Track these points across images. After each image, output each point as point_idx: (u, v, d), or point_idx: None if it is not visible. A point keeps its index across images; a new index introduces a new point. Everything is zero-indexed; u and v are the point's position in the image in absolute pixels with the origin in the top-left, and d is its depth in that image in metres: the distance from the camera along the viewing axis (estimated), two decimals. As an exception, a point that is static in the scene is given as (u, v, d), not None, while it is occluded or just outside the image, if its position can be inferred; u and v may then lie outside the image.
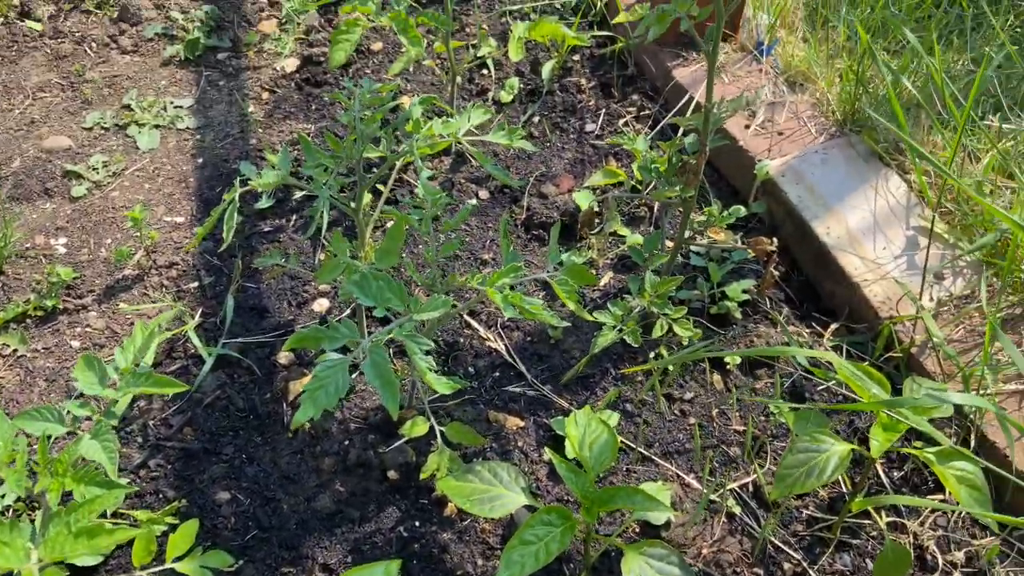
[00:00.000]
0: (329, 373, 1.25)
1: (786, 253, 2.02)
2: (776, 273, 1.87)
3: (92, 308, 1.88)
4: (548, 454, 1.42)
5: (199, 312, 1.87)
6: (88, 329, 1.84)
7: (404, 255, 2.02)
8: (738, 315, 1.86)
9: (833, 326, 1.85)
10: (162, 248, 2.01)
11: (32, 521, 1.46)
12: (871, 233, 1.89)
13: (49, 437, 1.21)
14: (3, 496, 1.48)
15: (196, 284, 1.94)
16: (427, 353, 1.31)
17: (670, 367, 1.76)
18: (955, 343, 1.68)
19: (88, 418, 1.29)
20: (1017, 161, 1.92)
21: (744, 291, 1.86)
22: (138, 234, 1.98)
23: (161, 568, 1.34)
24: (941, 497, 1.56)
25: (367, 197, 1.69)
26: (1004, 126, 2.00)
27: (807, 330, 1.87)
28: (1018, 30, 2.38)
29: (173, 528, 1.41)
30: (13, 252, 1.97)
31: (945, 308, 1.74)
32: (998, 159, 1.89)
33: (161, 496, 1.53)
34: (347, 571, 1.14)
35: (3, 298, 1.89)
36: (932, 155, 1.98)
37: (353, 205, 1.56)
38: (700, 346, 1.74)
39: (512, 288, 1.39)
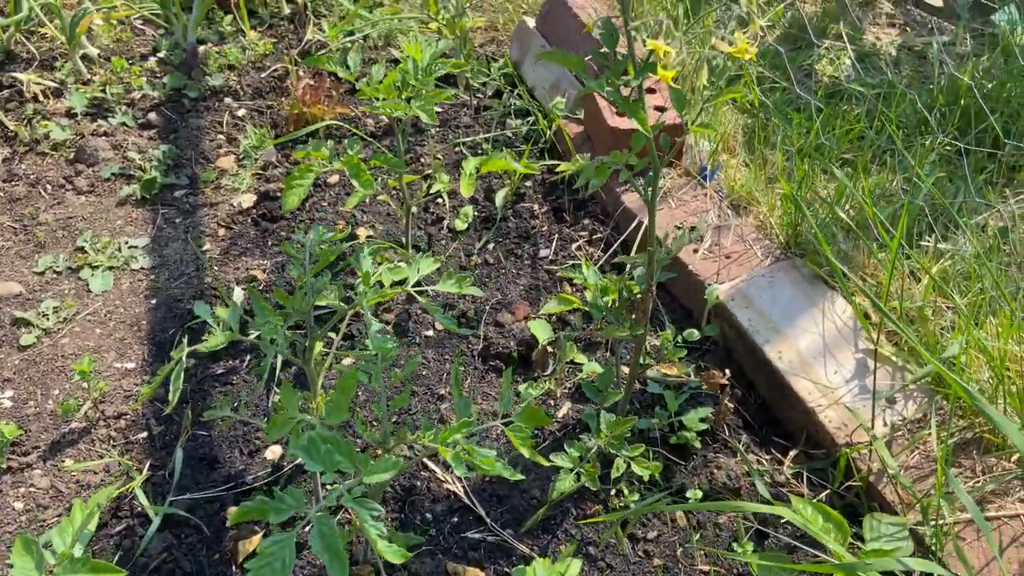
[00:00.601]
0: (275, 549, 1.21)
1: (742, 375, 2.04)
2: (731, 406, 1.88)
3: (37, 466, 1.82)
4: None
5: (147, 464, 1.82)
6: (32, 489, 1.78)
7: (358, 391, 2.00)
8: (697, 444, 1.86)
9: (792, 453, 1.85)
10: (111, 397, 1.97)
11: None
12: (821, 357, 1.92)
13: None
14: None
15: (145, 434, 1.89)
16: (377, 519, 1.28)
17: (632, 504, 1.74)
18: (911, 470, 1.69)
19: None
20: (956, 280, 1.99)
21: (702, 420, 1.86)
22: (86, 385, 1.94)
23: None
24: (911, 634, 1.53)
25: (318, 347, 1.69)
26: (939, 246, 2.08)
27: (767, 456, 1.87)
28: (946, 148, 2.51)
29: None
30: (-45, 408, 1.92)
31: (899, 433, 1.75)
32: (936, 280, 1.95)
33: (101, 678, 1.44)
34: None
35: (-58, 458, 1.82)
36: (872, 277, 2.04)
37: (304, 356, 1.55)
38: (660, 496, 1.73)
39: (468, 436, 1.38)
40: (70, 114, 2.84)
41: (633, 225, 2.36)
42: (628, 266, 2.15)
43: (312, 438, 1.32)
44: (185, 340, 1.50)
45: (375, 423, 1.92)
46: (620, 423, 1.65)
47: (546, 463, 1.59)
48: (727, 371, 1.86)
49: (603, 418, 1.68)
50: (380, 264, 1.80)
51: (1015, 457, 1.66)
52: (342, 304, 1.57)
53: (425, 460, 1.85)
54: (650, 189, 1.51)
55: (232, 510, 1.72)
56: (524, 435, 1.48)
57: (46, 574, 1.22)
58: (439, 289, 1.59)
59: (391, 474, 1.30)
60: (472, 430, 1.40)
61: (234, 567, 1.61)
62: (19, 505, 1.75)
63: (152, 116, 2.86)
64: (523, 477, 1.40)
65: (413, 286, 1.61)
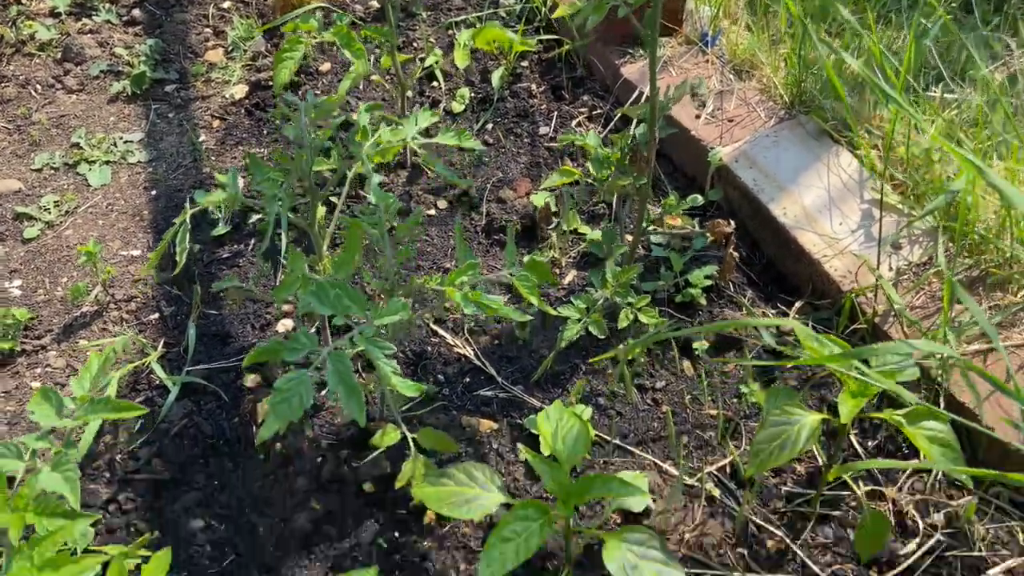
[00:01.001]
0: (291, 385, 1.24)
1: (746, 236, 2.03)
2: (737, 256, 1.88)
3: (51, 348, 1.84)
4: (522, 451, 1.41)
5: (161, 343, 1.84)
6: (48, 369, 1.80)
7: (364, 266, 2.01)
8: (703, 301, 1.87)
9: (797, 304, 1.86)
10: (119, 282, 1.98)
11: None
12: (826, 210, 1.91)
13: (12, 479, 1.18)
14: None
15: (157, 315, 1.91)
16: (390, 357, 1.30)
17: (640, 357, 1.76)
18: (917, 310, 1.70)
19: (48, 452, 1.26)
20: (963, 129, 1.96)
21: (707, 276, 1.87)
22: (94, 270, 1.95)
23: (135, 601, 1.31)
24: (916, 462, 1.56)
25: (321, 211, 1.68)
26: (947, 95, 2.04)
27: (772, 311, 1.88)
28: (953, 4, 2.44)
29: (147, 561, 1.37)
30: (-34, 298, 1.93)
31: (904, 276, 1.76)
32: (943, 128, 1.92)
33: (133, 530, 1.50)
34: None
35: (-42, 345, 1.84)
36: (879, 129, 2.01)
37: (306, 220, 1.55)
38: (665, 327, 1.74)
39: (472, 287, 1.39)
40: (54, 14, 2.77)
41: (633, 96, 2.32)
42: (633, 122, 2.12)
43: (321, 284, 1.32)
44: (187, 204, 1.50)
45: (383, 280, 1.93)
46: (626, 271, 1.65)
47: (553, 312, 1.60)
48: (732, 222, 1.85)
49: (608, 268, 1.69)
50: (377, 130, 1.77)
51: (1022, 293, 1.67)
52: (343, 161, 1.55)
53: (434, 327, 1.87)
54: (651, 28, 1.48)
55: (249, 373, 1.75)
56: (530, 284, 1.49)
57: (67, 418, 1.24)
58: (439, 141, 1.57)
59: (400, 316, 1.32)
60: (478, 276, 1.41)
61: (254, 428, 1.65)
62: (36, 385, 1.78)
63: (136, 12, 2.79)
64: (531, 317, 1.41)
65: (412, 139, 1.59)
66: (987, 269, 1.69)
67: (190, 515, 1.53)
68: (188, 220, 1.46)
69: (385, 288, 1.45)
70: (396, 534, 1.51)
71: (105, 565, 1.39)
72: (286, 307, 1.91)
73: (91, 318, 1.90)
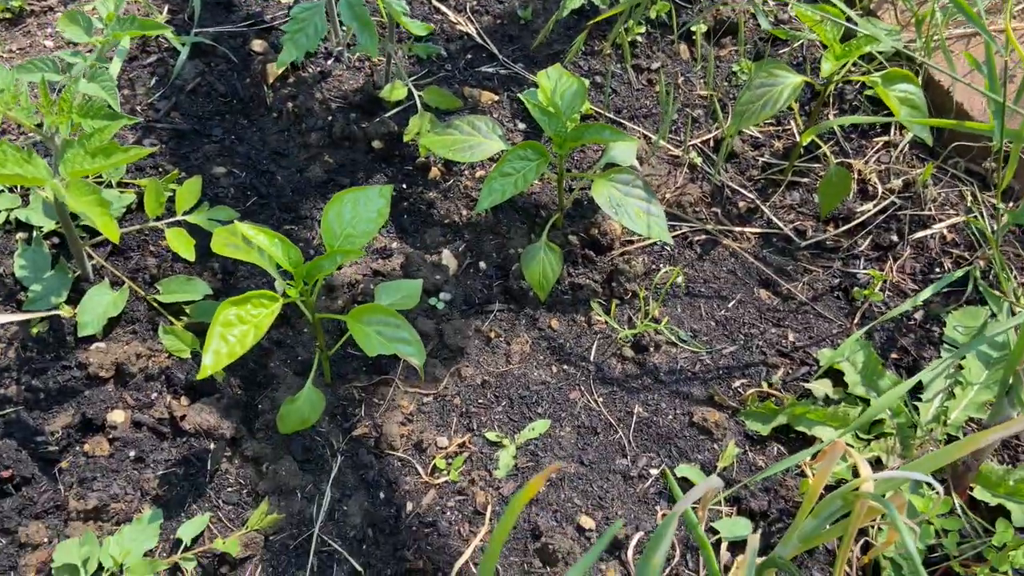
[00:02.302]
0: (307, 15, 1.30)
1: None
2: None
3: (58, 9, 1.86)
4: (523, 99, 1.51)
5: (165, 9, 1.86)
6: (57, 30, 1.83)
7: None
8: (705, -12, 1.88)
9: (797, -6, 1.88)
10: (117, -53, 1.95)
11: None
12: None
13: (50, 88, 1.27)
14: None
15: (159, -17, 1.91)
16: (400, -2, 1.35)
17: (639, 39, 1.81)
18: (913, -4, 1.74)
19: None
20: None
21: (712, -38, 1.87)
22: (90, -69, 1.91)
23: (173, 219, 1.46)
24: (887, 139, 1.69)
25: None
26: None
27: (773, 2, 1.90)
28: None
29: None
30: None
31: (906, -37, 1.77)
32: None
33: (161, 170, 1.62)
34: (340, 192, 1.24)
35: (-36, 4, 1.86)
36: None
37: None
38: (667, 12, 1.78)
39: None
40: None
41: None
42: None
43: (331, -80, 1.33)
44: None
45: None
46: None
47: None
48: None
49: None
50: None
51: (1017, -17, 1.70)
52: None
53: (437, 4, 1.89)
54: None
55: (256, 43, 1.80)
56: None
57: (96, 37, 1.31)
58: None
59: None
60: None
61: (266, 87, 1.73)
62: (49, 43, 1.82)
63: None
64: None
65: None
66: (989, -45, 1.70)
67: (212, 162, 1.65)
68: None
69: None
70: (404, 185, 1.65)
71: (141, 194, 1.54)
72: (289, -21, 1.91)
73: (93, -19, 1.90)
